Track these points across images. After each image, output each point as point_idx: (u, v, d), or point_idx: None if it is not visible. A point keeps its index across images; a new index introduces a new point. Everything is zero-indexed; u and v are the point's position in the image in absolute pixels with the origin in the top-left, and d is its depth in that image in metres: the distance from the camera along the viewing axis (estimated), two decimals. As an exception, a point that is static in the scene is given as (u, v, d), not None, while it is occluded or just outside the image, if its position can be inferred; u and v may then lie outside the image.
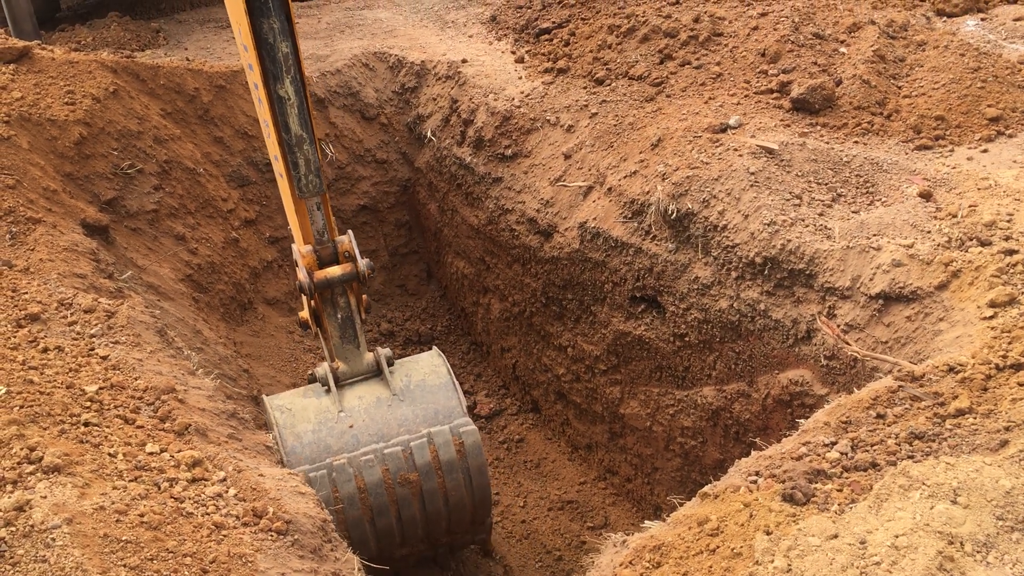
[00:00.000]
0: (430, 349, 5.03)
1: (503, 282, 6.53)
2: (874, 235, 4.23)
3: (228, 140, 6.52)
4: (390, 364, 4.73)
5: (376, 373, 4.72)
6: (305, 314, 4.95)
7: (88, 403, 3.43)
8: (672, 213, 4.92)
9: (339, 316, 4.58)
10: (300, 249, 4.48)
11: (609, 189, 5.40)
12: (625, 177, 5.30)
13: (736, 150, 4.90)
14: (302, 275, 4.39)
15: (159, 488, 3.06)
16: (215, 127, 6.49)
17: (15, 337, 3.75)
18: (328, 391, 4.60)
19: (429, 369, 4.80)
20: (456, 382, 4.80)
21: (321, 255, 4.49)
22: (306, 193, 4.14)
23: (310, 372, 4.86)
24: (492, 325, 6.84)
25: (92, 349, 3.83)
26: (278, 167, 4.33)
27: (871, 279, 4.08)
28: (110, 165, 5.59)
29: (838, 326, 4.18)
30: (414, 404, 4.66)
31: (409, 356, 5.03)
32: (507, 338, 6.73)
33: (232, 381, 5.22)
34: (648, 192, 5.08)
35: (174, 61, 6.58)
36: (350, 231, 4.62)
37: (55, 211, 4.95)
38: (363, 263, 4.47)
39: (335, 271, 4.46)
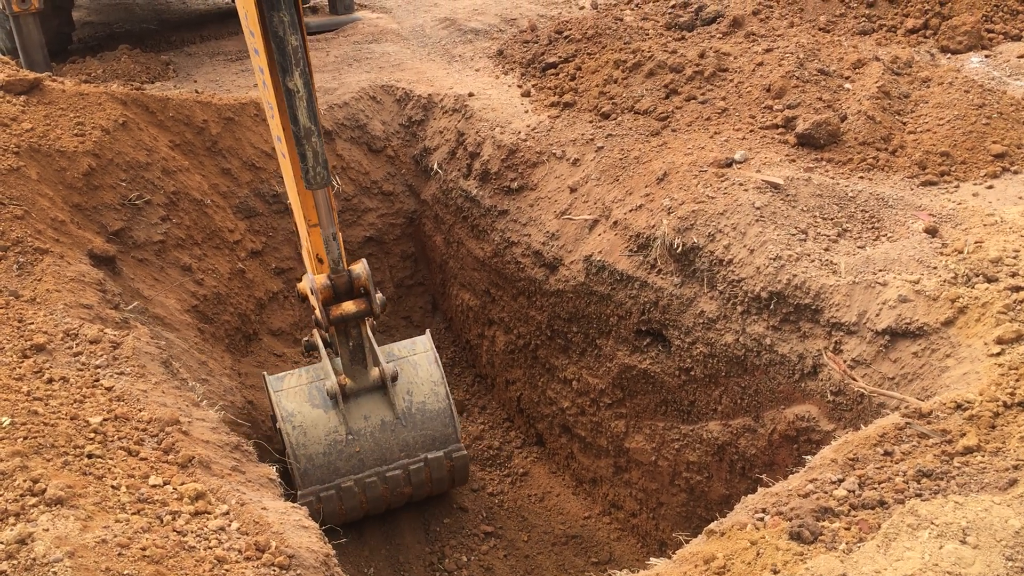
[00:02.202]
0: (424, 333, 5.63)
1: (508, 314, 6.53)
2: (880, 270, 4.23)
3: (236, 172, 6.56)
4: (394, 380, 5.13)
5: (381, 387, 5.11)
6: (315, 338, 5.13)
7: (92, 435, 3.42)
8: (678, 247, 4.93)
9: (350, 344, 4.82)
10: (316, 281, 4.55)
11: (615, 223, 5.41)
12: (631, 211, 5.31)
13: (741, 185, 4.91)
14: (318, 311, 4.49)
15: (161, 521, 3.05)
16: (223, 159, 6.52)
17: (20, 368, 3.75)
18: (333, 400, 5.01)
19: (429, 390, 5.27)
20: (451, 397, 5.33)
21: (336, 284, 4.56)
22: (314, 185, 4.20)
23: (305, 340, 5.32)
24: (497, 357, 6.83)
25: (97, 380, 3.83)
26: (281, 148, 4.40)
27: (877, 315, 4.07)
28: (118, 196, 5.62)
29: (844, 361, 4.17)
30: (415, 429, 5.21)
31: (404, 343, 5.53)
32: (512, 371, 6.72)
33: (237, 413, 5.21)
34: (654, 226, 5.09)
35: (183, 93, 6.63)
36: (364, 260, 4.69)
37: (63, 241, 4.97)
38: (378, 299, 4.61)
39: (350, 308, 4.60)
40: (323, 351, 5.20)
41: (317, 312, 4.58)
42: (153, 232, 5.74)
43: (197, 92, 6.87)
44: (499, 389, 7.00)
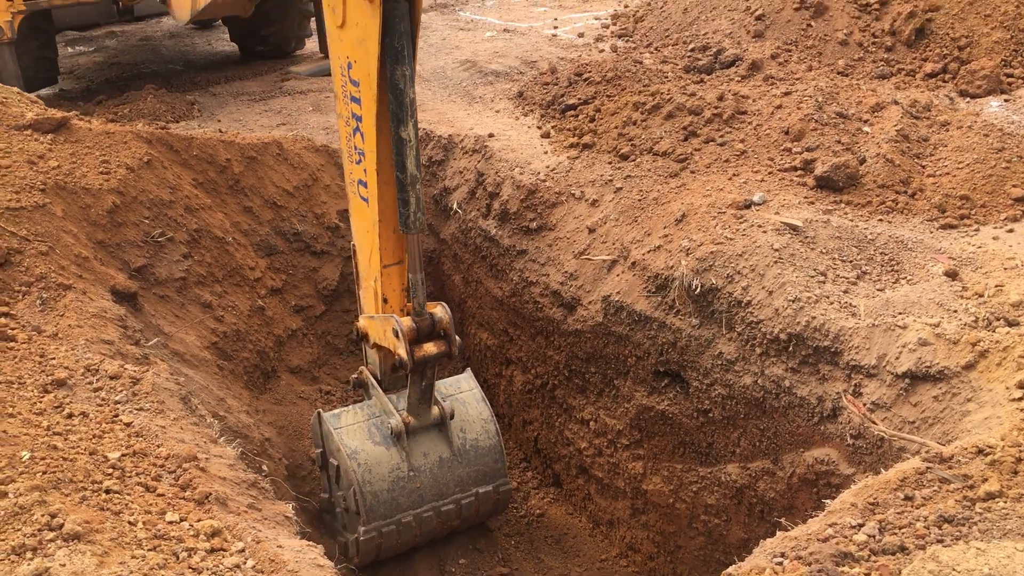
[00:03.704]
0: (464, 372, 5.82)
1: (526, 354, 6.52)
2: (900, 313, 4.20)
3: (257, 210, 6.63)
4: (451, 418, 5.34)
5: (437, 424, 5.31)
6: (365, 376, 5.24)
7: (110, 470, 3.43)
8: (696, 288, 4.92)
9: (423, 384, 4.97)
10: (404, 323, 4.66)
11: (633, 263, 5.41)
12: (649, 251, 5.32)
13: (760, 226, 4.92)
14: (402, 351, 4.60)
15: (177, 558, 3.04)
16: (245, 197, 6.60)
17: (41, 402, 3.78)
18: (396, 437, 5.18)
19: (480, 428, 5.51)
20: (499, 434, 5.56)
21: (419, 327, 4.68)
22: (413, 228, 4.37)
23: (353, 377, 5.49)
24: (514, 397, 6.81)
25: (116, 415, 3.85)
26: (364, 193, 4.49)
27: (897, 358, 4.05)
28: (141, 233, 5.69)
29: (864, 405, 4.13)
30: (468, 465, 5.44)
31: (447, 380, 5.69)
32: (529, 410, 6.70)
33: (254, 450, 5.22)
34: (672, 267, 5.10)
35: (207, 132, 6.74)
36: (444, 304, 4.78)
37: (86, 277, 5.03)
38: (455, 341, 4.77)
39: (431, 350, 4.74)
40: (378, 389, 5.33)
41: (401, 352, 4.68)
42: (175, 269, 5.80)
43: (221, 131, 6.98)
44: (516, 429, 6.97)
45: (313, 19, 9.66)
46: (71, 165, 5.52)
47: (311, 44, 10.16)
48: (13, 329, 4.28)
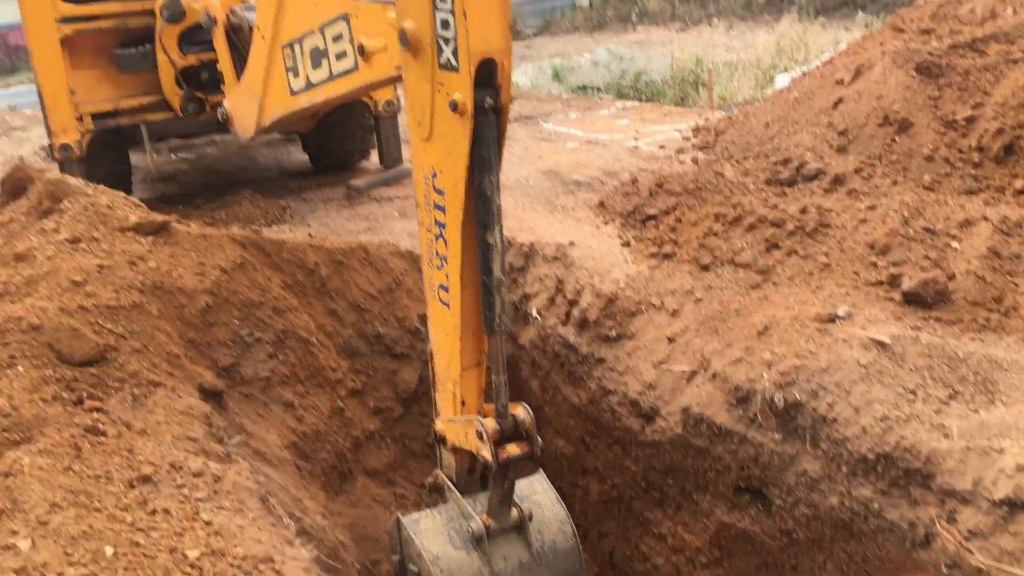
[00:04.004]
0: (536, 472, 5.59)
1: (603, 464, 6.43)
2: (996, 436, 4.04)
3: (341, 312, 6.77)
4: (530, 520, 5.19)
5: (517, 527, 5.15)
6: (442, 479, 5.24)
7: (189, 568, 3.46)
8: (779, 403, 4.83)
9: (505, 486, 4.88)
10: (488, 424, 4.68)
11: (714, 375, 5.35)
12: (730, 363, 5.25)
13: (846, 341, 4.83)
14: (487, 452, 4.62)
15: (249, 662, 3.03)
16: (330, 300, 6.76)
17: (126, 498, 3.86)
18: (477, 541, 5.01)
19: (557, 529, 5.32)
20: (577, 536, 5.31)
21: (503, 428, 4.69)
22: (498, 331, 4.40)
23: (429, 480, 5.34)
24: (590, 508, 6.69)
25: (197, 513, 3.90)
26: (445, 297, 4.56)
27: (994, 483, 3.87)
28: (230, 333, 5.85)
29: (959, 532, 3.94)
30: (548, 568, 5.25)
31: (521, 482, 5.41)
32: (605, 522, 6.55)
33: (329, 552, 5.21)
34: (754, 380, 5.02)
35: (298, 236, 6.97)
36: (526, 405, 4.79)
37: (175, 375, 5.18)
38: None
39: (515, 451, 4.73)
40: (455, 492, 5.28)
41: (485, 454, 4.68)
42: (260, 368, 5.93)
43: (310, 235, 7.21)
44: (591, 541, 6.81)
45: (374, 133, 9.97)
46: (169, 266, 5.75)
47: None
48: (104, 424, 4.42)
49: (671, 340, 5.83)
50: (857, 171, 6.88)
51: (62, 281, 5.23)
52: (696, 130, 10.14)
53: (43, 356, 4.74)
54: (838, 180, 6.74)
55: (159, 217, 6.08)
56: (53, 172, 6.12)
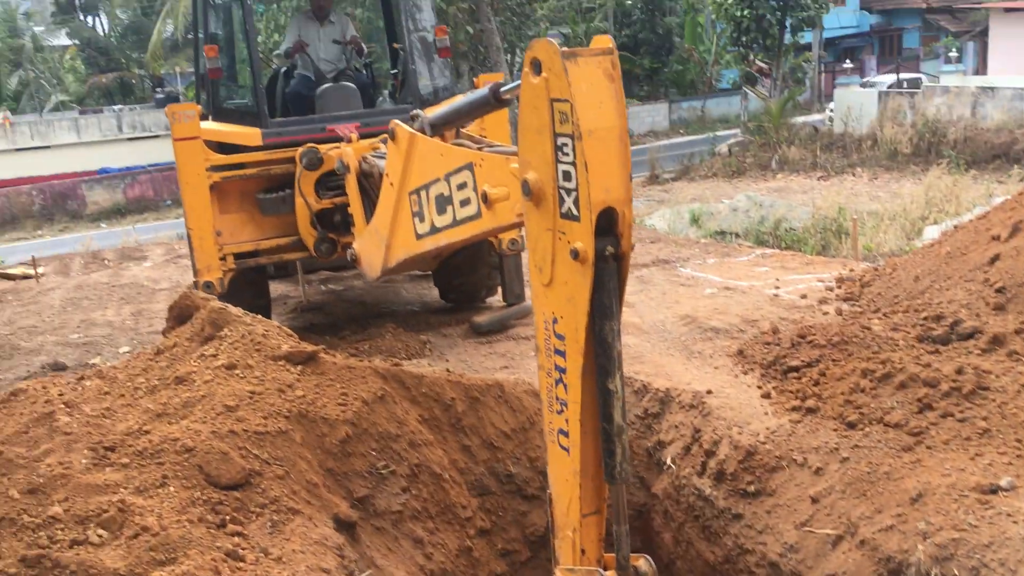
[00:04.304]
0: None
1: (737, 628, 6.08)
2: None
3: (475, 449, 6.80)
4: None
5: None
6: None
7: None
8: (935, 577, 4.50)
9: None
10: None
11: (861, 541, 5.05)
12: (880, 531, 4.96)
13: (1010, 515, 4.50)
14: None
15: None
16: (464, 436, 6.81)
17: (260, 626, 3.91)
18: None
19: None
20: None
21: None
22: (619, 480, 4.29)
23: None
24: (722, 675, 6.31)
25: (326, 648, 3.90)
26: (564, 442, 4.51)
27: None
28: (367, 464, 5.95)
29: None
30: None
31: None
32: None
33: None
34: (907, 551, 4.70)
35: (436, 371, 7.11)
36: (648, 557, 4.67)
37: (313, 504, 5.28)
38: None
39: None
40: None
41: None
42: (393, 502, 5.98)
43: (448, 371, 7.34)
44: None
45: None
46: (314, 395, 5.96)
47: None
48: (244, 549, 4.52)
49: (814, 500, 5.57)
50: (1017, 332, 6.53)
51: (216, 405, 5.49)
52: (840, 280, 9.93)
53: (193, 477, 4.94)
54: (996, 340, 6.41)
55: (308, 347, 6.34)
56: (216, 301, 6.50)
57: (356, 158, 7.97)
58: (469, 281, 10.18)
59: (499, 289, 10.20)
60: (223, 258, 8.84)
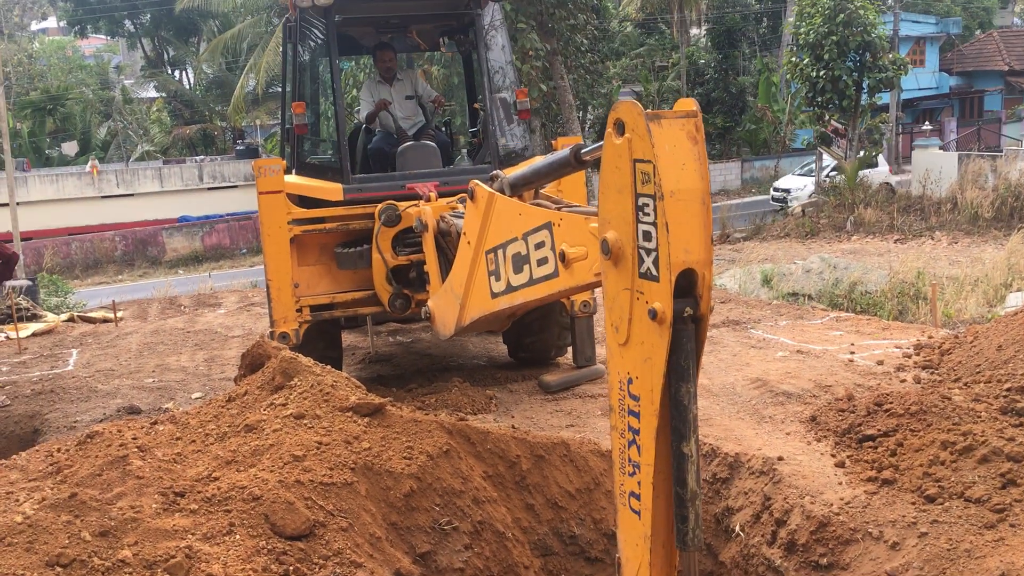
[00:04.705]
0: None
1: None
2: None
3: (539, 508, 6.72)
4: None
5: None
6: None
7: None
8: (1021, 666, 4.26)
9: None
10: None
11: (941, 623, 4.83)
12: (961, 612, 4.74)
13: (1103, 603, 4.26)
14: None
15: None
16: (528, 494, 6.74)
17: None
18: None
19: None
20: None
21: None
22: (691, 546, 4.22)
23: None
24: None
25: None
26: (636, 505, 4.42)
27: None
28: (430, 519, 5.92)
29: None
30: None
31: None
32: None
33: None
34: (990, 635, 4.48)
35: (502, 427, 7.08)
36: None
37: (376, 557, 5.27)
38: None
39: None
40: None
41: None
42: (455, 559, 5.92)
43: (514, 428, 7.30)
44: None
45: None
46: (380, 448, 5.97)
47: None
48: (306, 601, 4.51)
49: (890, 576, 5.35)
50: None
51: (284, 455, 5.54)
52: (918, 347, 9.66)
53: (259, 527, 4.97)
54: (1086, 413, 6.15)
55: (376, 400, 6.38)
56: (288, 351, 6.60)
57: (434, 217, 8.08)
58: (540, 340, 10.18)
59: (569, 350, 10.15)
60: (299, 310, 8.99)
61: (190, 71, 58.91)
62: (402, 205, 8.77)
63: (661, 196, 3.59)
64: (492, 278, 5.93)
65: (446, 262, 7.74)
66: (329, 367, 6.70)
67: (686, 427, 4.04)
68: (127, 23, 56.43)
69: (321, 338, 9.29)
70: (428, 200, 8.45)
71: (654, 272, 3.72)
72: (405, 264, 8.93)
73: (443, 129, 11.62)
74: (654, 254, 3.70)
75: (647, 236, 3.71)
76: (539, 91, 31.69)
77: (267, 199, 8.86)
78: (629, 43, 50.52)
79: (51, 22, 73.26)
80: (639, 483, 4.49)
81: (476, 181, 6.19)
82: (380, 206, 8.81)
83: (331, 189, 9.22)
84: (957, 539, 5.23)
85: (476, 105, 10.93)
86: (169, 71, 58.77)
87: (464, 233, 6.46)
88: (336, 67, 9.77)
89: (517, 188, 5.96)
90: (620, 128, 3.73)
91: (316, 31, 9.72)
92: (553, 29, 31.90)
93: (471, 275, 6.32)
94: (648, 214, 3.69)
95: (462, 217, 7.09)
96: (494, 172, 6.27)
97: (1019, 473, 5.52)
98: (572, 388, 9.39)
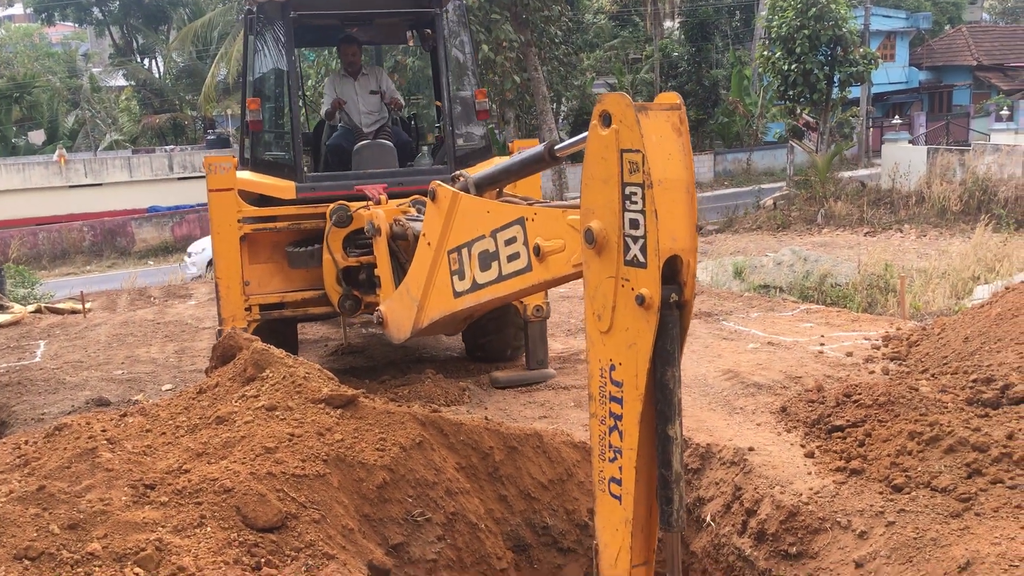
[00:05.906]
0: None
1: None
2: None
3: (511, 499, 6.74)
4: None
5: None
6: None
7: None
8: (984, 652, 4.34)
9: None
10: None
11: (907, 610, 4.90)
12: (927, 600, 4.81)
13: (1064, 589, 4.34)
14: None
15: None
16: (501, 485, 6.75)
17: (291, 673, 3.87)
18: None
19: None
20: None
21: None
22: (675, 527, 4.26)
23: None
24: None
25: None
26: (616, 490, 4.45)
27: None
28: (403, 511, 5.92)
29: None
30: None
31: None
32: None
33: None
34: (955, 622, 4.56)
35: (475, 419, 7.08)
36: None
37: (348, 549, 5.26)
38: None
39: None
40: None
41: None
42: (428, 550, 5.93)
43: (487, 419, 7.31)
44: None
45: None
46: (352, 439, 5.96)
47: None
48: (278, 593, 4.50)
49: (858, 565, 5.42)
50: (1071, 397, 6.38)
51: (255, 447, 5.51)
52: (887, 339, 9.77)
53: (230, 519, 4.95)
54: (1049, 405, 6.26)
55: (349, 391, 6.36)
56: (260, 343, 6.56)
57: (388, 221, 7.99)
58: (496, 340, 10.21)
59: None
60: (248, 308, 8.91)
61: (160, 60, 58.19)
62: (354, 206, 8.69)
63: (650, 184, 3.64)
64: (455, 277, 5.88)
65: (399, 267, 7.68)
66: (301, 359, 6.67)
67: (671, 410, 4.07)
68: (95, 10, 55.55)
69: (272, 336, 9.16)
70: (377, 203, 8.36)
71: (641, 259, 3.77)
72: (355, 265, 8.86)
73: (411, 123, 11.55)
74: (641, 241, 3.75)
75: (634, 224, 3.76)
76: (513, 82, 31.66)
77: (217, 196, 8.75)
78: (603, 35, 50.55)
79: (17, 8, 72.01)
80: (620, 468, 4.51)
81: (438, 181, 6.13)
82: (332, 206, 8.74)
83: (284, 187, 9.13)
84: (924, 528, 5.31)
85: (437, 103, 10.90)
86: (138, 59, 58.03)
87: (424, 234, 6.36)
88: (293, 64, 9.67)
89: (483, 188, 5.92)
90: (606, 120, 3.78)
91: (274, 26, 9.61)
92: (527, 20, 31.88)
93: (431, 276, 6.25)
94: (636, 202, 3.74)
95: (418, 220, 6.99)
96: (457, 172, 6.21)
97: (984, 463, 5.60)
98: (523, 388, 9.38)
